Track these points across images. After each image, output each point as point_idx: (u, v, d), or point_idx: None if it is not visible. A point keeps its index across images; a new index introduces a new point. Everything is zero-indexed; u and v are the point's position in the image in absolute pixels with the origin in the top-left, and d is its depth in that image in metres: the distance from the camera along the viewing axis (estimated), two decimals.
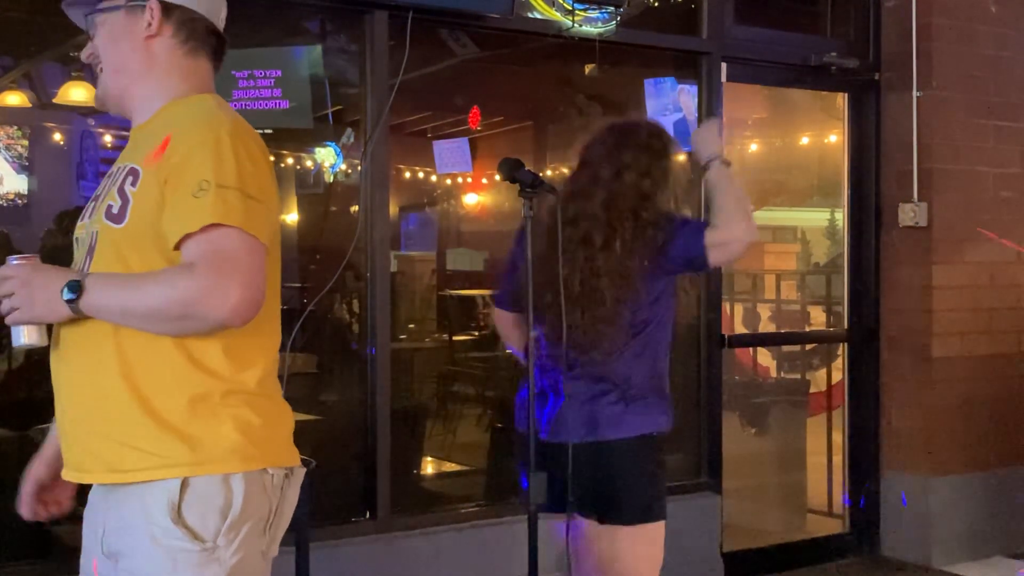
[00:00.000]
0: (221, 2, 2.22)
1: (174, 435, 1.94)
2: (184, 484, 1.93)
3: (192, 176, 1.90)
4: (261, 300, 1.92)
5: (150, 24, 2.10)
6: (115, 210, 2.00)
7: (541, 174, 3.08)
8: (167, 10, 2.11)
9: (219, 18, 2.21)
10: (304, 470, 2.13)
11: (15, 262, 1.99)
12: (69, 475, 2.08)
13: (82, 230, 2.11)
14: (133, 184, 1.99)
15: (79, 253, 2.10)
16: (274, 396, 2.08)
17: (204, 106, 2.08)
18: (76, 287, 1.93)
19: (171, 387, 1.95)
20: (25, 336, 2.00)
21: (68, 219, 5.51)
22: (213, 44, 2.18)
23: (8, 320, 1.99)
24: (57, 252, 2.29)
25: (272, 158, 2.11)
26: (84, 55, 2.18)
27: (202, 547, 1.94)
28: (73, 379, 2.03)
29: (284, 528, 2.11)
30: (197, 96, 2.12)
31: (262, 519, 2.02)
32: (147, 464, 1.94)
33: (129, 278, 1.96)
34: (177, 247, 1.91)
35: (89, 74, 2.10)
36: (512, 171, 2.94)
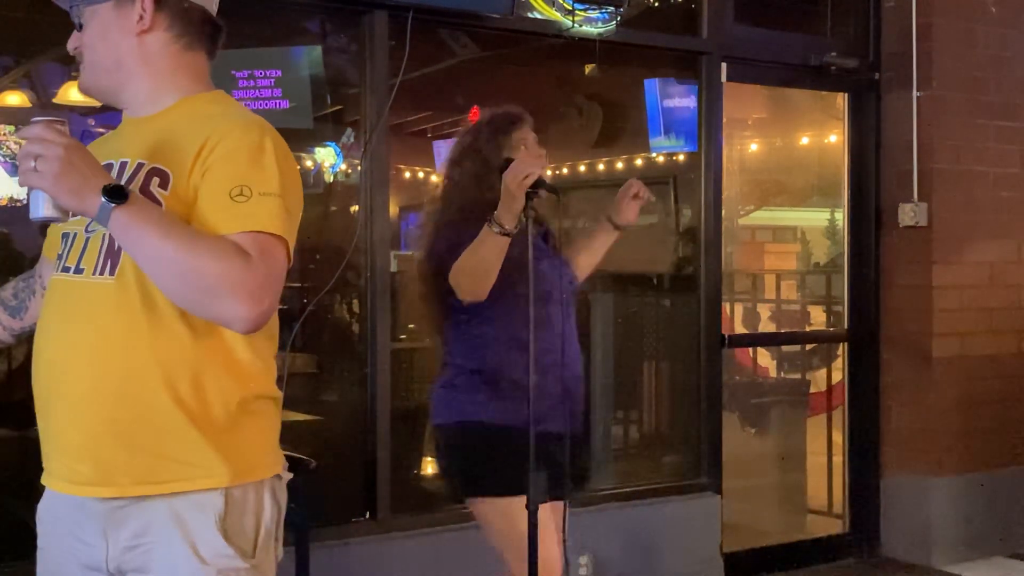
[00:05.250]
0: None
1: (212, 444, 1.83)
2: (227, 496, 1.84)
3: (235, 175, 1.80)
4: (275, 312, 1.86)
5: (142, 18, 1.93)
6: None
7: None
8: (159, 1, 1.94)
9: (212, 3, 2.03)
10: (290, 474, 2.05)
11: (41, 121, 1.71)
12: (73, 490, 1.88)
13: (80, 225, 1.90)
14: (163, 186, 1.84)
15: (78, 246, 1.89)
16: (279, 399, 2.01)
17: (233, 106, 2.00)
18: (121, 192, 1.71)
19: (208, 393, 1.83)
20: (44, 208, 1.75)
21: None
22: (209, 33, 2.01)
23: (25, 180, 1.72)
24: None
25: None
26: (70, 46, 2.00)
27: (251, 564, 1.86)
28: (93, 389, 1.85)
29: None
30: (212, 94, 2.00)
31: (276, 525, 1.94)
32: (186, 475, 1.83)
33: (184, 225, 1.77)
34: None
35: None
36: None
